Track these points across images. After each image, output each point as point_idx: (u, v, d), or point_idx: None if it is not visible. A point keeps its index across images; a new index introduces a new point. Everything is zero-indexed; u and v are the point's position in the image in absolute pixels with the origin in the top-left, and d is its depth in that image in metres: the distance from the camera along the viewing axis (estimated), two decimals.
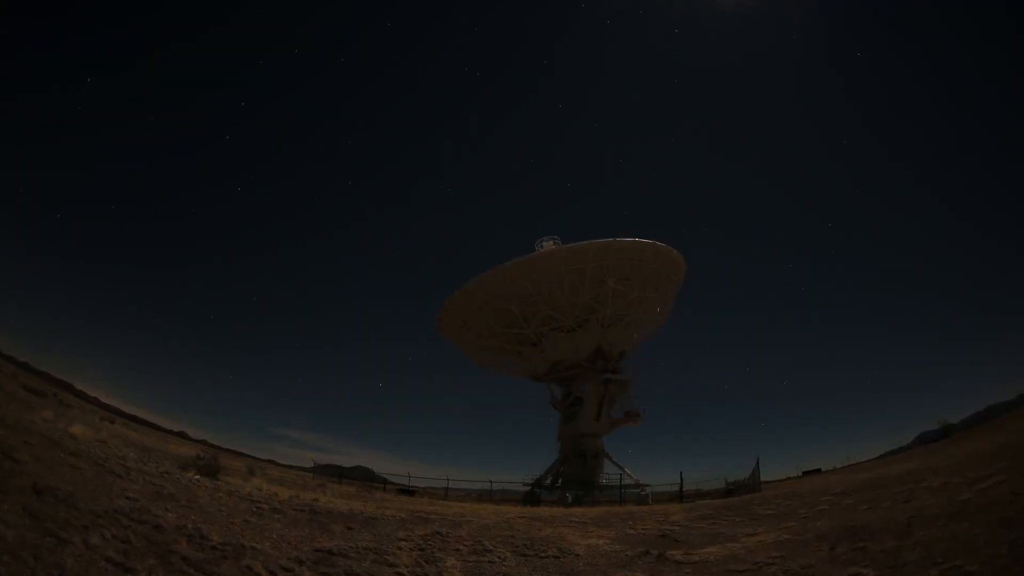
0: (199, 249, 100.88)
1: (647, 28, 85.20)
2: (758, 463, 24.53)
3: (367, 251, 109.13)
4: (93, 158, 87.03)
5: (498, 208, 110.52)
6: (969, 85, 75.45)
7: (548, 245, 32.49)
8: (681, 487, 26.65)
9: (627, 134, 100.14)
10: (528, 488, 31.42)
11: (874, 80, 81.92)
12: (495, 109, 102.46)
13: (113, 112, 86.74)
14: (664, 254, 32.09)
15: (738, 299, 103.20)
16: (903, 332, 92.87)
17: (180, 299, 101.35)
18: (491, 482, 31.23)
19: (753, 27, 79.69)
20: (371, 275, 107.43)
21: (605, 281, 30.45)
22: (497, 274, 31.61)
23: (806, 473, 32.70)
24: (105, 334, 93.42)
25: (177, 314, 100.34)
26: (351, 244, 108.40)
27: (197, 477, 10.23)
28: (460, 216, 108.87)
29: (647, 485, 29.97)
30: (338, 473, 36.24)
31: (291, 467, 41.32)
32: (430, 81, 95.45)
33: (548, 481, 32.17)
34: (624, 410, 31.97)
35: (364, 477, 38.34)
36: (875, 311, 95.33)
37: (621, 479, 30.70)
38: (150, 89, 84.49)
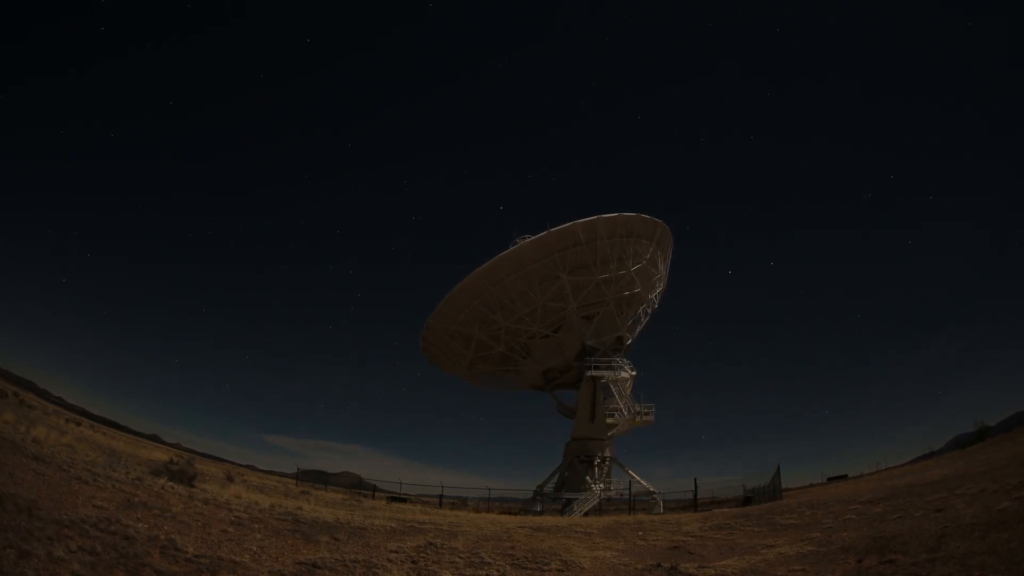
0: (176, 245, 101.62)
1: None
2: (779, 469, 24.72)
3: (359, 246, 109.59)
4: (70, 149, 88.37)
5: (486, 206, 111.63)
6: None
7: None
8: (696, 495, 26.86)
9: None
10: (531, 495, 31.76)
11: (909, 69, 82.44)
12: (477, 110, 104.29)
13: (100, 106, 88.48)
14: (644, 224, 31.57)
15: (759, 294, 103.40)
16: (934, 328, 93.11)
17: (153, 296, 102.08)
18: (489, 489, 31.56)
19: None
20: (361, 273, 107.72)
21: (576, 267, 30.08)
22: (464, 292, 30.90)
23: (831, 480, 32.98)
24: (71, 330, 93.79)
25: (150, 310, 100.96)
26: (341, 238, 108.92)
27: (170, 484, 10.28)
28: (454, 210, 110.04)
29: (655, 492, 30.22)
30: (323, 479, 36.57)
31: (272, 473, 41.71)
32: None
33: (550, 488, 32.41)
34: (628, 408, 31.74)
35: (352, 484, 38.68)
36: (906, 307, 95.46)
37: (631, 486, 30.96)
38: (132, 86, 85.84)
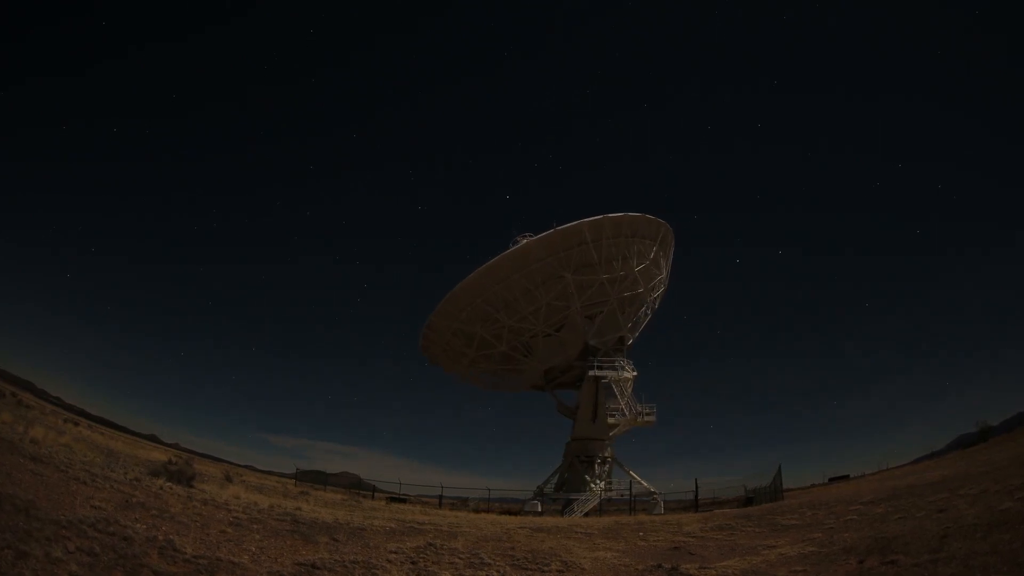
0: (176, 245, 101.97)
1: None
2: (780, 469, 24.73)
3: (359, 245, 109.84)
4: (70, 149, 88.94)
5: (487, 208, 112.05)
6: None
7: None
8: (696, 495, 26.89)
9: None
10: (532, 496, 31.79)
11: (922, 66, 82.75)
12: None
13: (100, 106, 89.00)
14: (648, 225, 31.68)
15: (760, 294, 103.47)
16: (938, 328, 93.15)
17: (153, 296, 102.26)
18: (489, 490, 31.60)
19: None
20: (361, 272, 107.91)
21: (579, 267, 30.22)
22: (465, 291, 30.82)
23: (832, 480, 33.01)
24: (71, 330, 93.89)
25: (150, 310, 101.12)
26: (341, 238, 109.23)
27: (169, 484, 10.28)
28: (454, 210, 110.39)
29: (655, 492, 30.21)
30: (323, 480, 36.60)
31: (271, 473, 41.75)
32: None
33: (550, 488, 32.43)
34: (629, 408, 31.65)
35: (351, 484, 38.76)
36: (906, 306, 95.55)
37: (631, 486, 30.99)
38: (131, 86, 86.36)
